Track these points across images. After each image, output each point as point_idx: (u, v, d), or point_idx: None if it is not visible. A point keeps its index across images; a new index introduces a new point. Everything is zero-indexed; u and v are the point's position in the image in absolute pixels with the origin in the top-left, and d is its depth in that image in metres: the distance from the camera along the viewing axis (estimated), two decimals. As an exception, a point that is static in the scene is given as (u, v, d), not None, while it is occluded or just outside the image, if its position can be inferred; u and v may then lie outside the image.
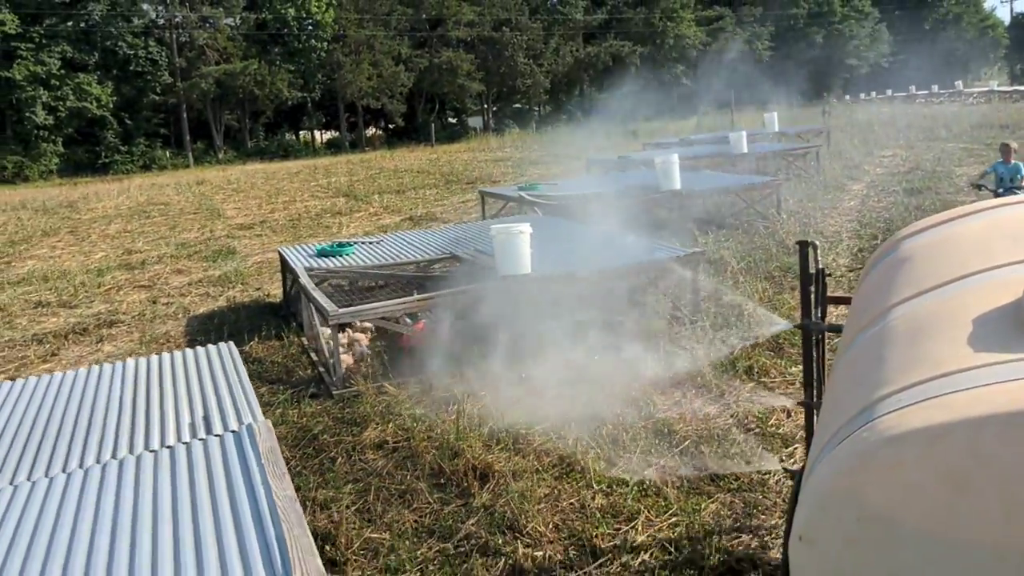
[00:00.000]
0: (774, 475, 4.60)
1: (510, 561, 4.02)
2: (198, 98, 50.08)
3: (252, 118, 54.70)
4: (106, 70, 47.49)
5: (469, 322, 6.98)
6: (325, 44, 52.80)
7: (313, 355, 7.58)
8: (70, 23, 46.78)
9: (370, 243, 9.68)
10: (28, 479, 3.94)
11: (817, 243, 3.32)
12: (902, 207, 12.78)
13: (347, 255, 9.05)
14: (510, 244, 7.02)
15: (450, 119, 62.97)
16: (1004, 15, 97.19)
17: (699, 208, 12.87)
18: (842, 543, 1.58)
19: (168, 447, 4.10)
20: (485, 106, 62.76)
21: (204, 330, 8.91)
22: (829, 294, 3.45)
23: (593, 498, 4.50)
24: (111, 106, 46.68)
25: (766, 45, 67.09)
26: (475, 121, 63.34)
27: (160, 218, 20.14)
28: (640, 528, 4.19)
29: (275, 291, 10.44)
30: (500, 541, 4.19)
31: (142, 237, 16.85)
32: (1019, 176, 9.12)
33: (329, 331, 6.71)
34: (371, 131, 61.51)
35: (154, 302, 10.55)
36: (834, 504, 1.57)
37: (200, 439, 4.18)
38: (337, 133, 60.04)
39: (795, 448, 4.93)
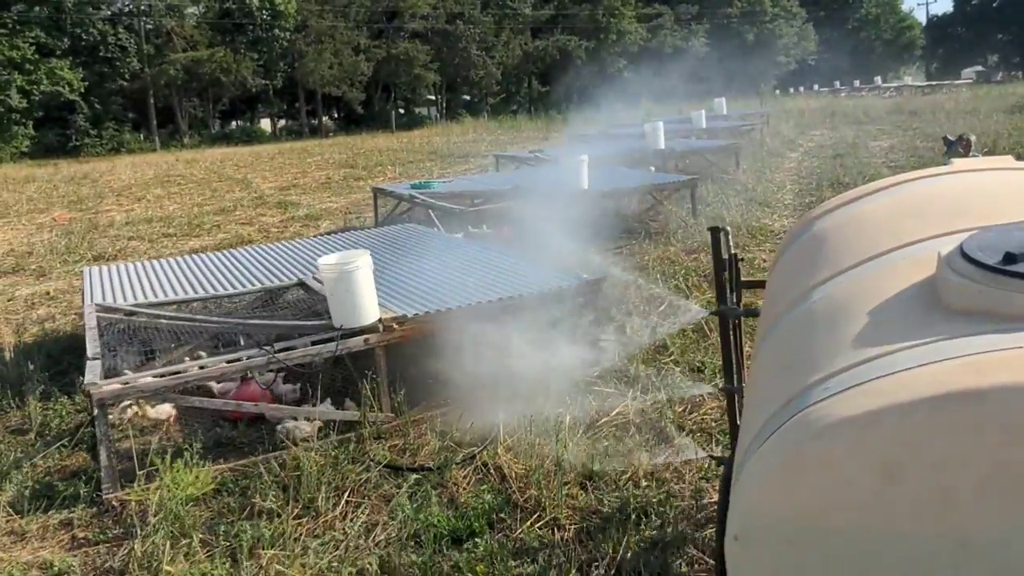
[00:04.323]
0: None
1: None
2: (165, 84, 51.95)
3: (212, 105, 56.80)
4: (76, 55, 49.02)
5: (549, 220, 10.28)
6: (287, 34, 55.20)
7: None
8: (38, 8, 48.14)
9: (445, 182, 12.89)
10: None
11: (728, 229, 3.34)
12: (829, 166, 16.57)
13: (434, 188, 12.21)
14: (574, 168, 10.36)
15: (400, 109, 65.75)
16: (922, 16, 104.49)
17: (675, 165, 16.36)
18: (779, 542, 1.53)
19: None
20: (438, 96, 65.88)
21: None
22: (744, 278, 3.40)
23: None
24: (82, 91, 48.28)
25: (702, 42, 71.84)
26: (422, 110, 66.39)
27: (192, 185, 22.71)
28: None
29: (367, 221, 13.52)
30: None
31: (197, 195, 19.57)
32: None
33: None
34: (323, 119, 63.80)
35: (267, 231, 13.53)
36: (767, 503, 1.53)
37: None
38: (289, 121, 62.32)
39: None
